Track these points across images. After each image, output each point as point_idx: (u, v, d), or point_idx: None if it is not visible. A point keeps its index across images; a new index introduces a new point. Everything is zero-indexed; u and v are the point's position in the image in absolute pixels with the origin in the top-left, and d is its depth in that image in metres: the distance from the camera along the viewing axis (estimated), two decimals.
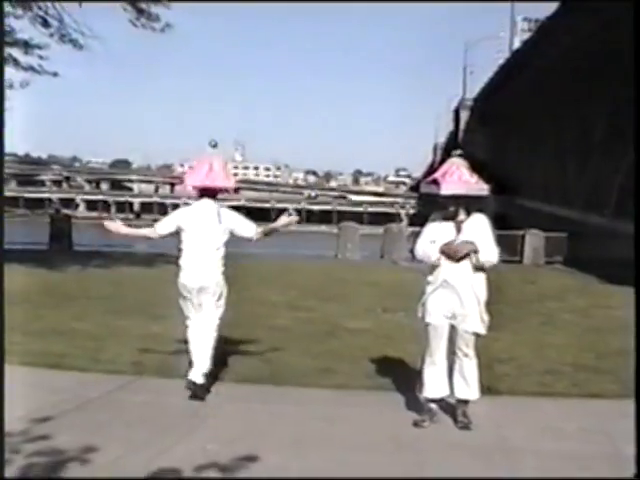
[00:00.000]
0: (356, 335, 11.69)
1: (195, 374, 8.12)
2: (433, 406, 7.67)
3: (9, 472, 5.45)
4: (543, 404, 8.42)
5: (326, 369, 9.48)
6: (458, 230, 7.44)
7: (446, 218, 7.48)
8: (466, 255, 7.38)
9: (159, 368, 9.10)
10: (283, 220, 8.47)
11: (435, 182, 7.43)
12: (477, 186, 7.46)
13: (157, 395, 7.98)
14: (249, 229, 8.44)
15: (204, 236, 8.25)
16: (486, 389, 8.12)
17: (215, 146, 8.24)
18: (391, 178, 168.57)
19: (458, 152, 7.78)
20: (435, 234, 7.52)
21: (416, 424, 7.54)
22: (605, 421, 7.80)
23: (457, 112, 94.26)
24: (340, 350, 10.60)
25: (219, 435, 7.03)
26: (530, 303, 15.91)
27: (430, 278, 7.56)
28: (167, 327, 10.75)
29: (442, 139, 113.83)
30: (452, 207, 7.43)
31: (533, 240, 28.55)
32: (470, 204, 7.50)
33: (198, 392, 8.00)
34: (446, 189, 7.35)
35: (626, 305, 15.63)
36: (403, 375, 9.02)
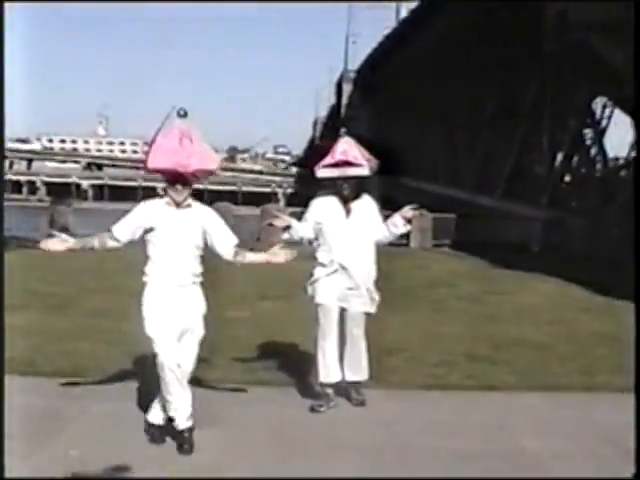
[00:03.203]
0: (233, 325, 11.52)
1: None
2: (329, 391, 7.85)
3: None
4: (436, 397, 8.46)
5: (205, 361, 9.28)
6: (347, 212, 7.75)
7: (342, 199, 7.74)
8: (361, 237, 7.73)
9: (22, 364, 8.76)
10: None
11: (336, 165, 7.67)
12: (371, 165, 7.77)
13: (17, 395, 7.65)
14: None
15: None
16: (375, 382, 8.14)
17: (184, 115, 6.77)
18: (270, 155, 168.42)
19: (344, 130, 8.06)
20: (322, 215, 7.77)
21: (313, 409, 7.74)
22: (503, 415, 7.87)
23: (339, 85, 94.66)
24: (216, 341, 10.33)
25: (84, 439, 6.80)
26: (419, 290, 16.03)
27: (323, 259, 7.78)
28: (30, 320, 10.56)
29: (323, 113, 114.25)
30: (346, 189, 7.70)
31: (420, 222, 28.73)
32: (360, 185, 7.80)
33: None
34: (343, 172, 7.65)
35: (520, 291, 16.08)
36: (286, 367, 8.99)
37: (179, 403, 6.72)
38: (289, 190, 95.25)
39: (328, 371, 7.82)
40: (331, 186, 7.79)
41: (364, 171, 7.70)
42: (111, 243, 6.87)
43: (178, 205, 6.72)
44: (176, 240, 6.69)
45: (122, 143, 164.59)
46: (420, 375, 9.20)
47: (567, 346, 10.82)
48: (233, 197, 73.67)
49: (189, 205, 6.76)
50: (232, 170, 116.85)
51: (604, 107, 45.42)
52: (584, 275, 17.58)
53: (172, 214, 6.73)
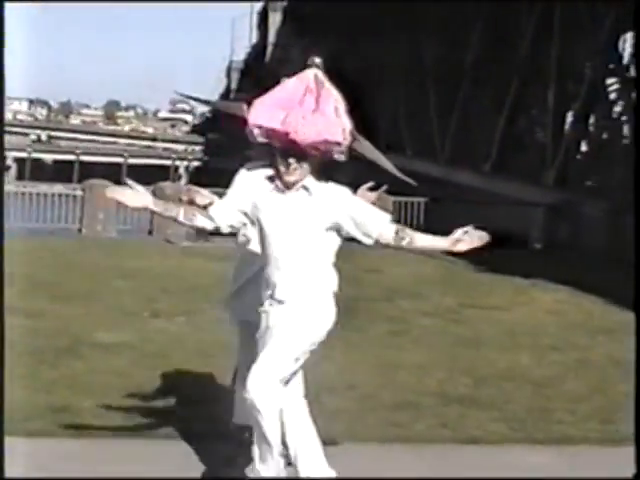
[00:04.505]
0: (110, 353, 11.52)
1: None
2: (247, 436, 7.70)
3: None
4: (396, 454, 8.42)
5: (63, 407, 9.22)
6: None
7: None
8: None
9: None
10: None
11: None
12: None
13: None
14: None
15: None
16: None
17: (318, 65, 6.76)
18: (164, 114, 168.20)
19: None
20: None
21: (229, 463, 7.67)
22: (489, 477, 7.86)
23: (264, 15, 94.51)
24: (84, 377, 10.40)
25: None
26: (373, 303, 16.08)
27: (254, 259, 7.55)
28: None
29: (241, 56, 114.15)
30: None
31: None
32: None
33: None
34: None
35: (514, 304, 16.15)
36: (183, 413, 8.95)
37: None
38: (195, 163, 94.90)
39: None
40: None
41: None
42: (201, 220, 6.72)
43: (288, 188, 6.50)
44: (280, 238, 6.54)
45: None
46: (373, 422, 9.19)
47: (579, 382, 10.89)
48: (114, 172, 73.21)
49: (305, 188, 6.50)
50: (112, 135, 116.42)
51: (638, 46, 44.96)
52: (604, 282, 17.71)
53: (277, 201, 6.55)
